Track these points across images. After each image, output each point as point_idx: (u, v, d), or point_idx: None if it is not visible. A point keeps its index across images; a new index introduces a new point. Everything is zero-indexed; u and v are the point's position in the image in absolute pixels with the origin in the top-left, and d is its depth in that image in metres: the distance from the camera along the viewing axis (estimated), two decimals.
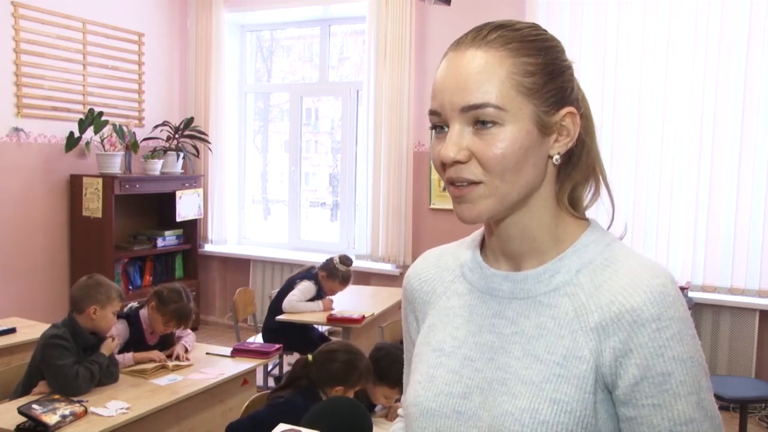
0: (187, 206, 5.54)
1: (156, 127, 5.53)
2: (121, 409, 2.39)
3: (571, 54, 0.90)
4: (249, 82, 6.20)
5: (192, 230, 5.75)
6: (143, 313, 3.01)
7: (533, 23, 0.87)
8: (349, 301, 4.17)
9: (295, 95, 5.92)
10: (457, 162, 0.82)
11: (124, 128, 5.05)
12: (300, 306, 3.93)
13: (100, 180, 4.94)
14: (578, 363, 0.81)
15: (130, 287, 5.32)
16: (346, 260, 4.08)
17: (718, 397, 3.22)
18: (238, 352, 3.11)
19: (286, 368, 3.94)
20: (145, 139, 5.38)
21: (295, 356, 3.58)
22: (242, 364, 2.99)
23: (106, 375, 2.62)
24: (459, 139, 0.82)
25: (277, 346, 3.25)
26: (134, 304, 3.11)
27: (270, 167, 6.39)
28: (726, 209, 4.21)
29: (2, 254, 4.66)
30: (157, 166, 5.34)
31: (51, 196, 4.99)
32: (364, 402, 2.39)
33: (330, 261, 4.08)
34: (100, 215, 4.96)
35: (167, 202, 5.48)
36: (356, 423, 1.89)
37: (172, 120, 5.68)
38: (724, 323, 4.23)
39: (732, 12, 4.11)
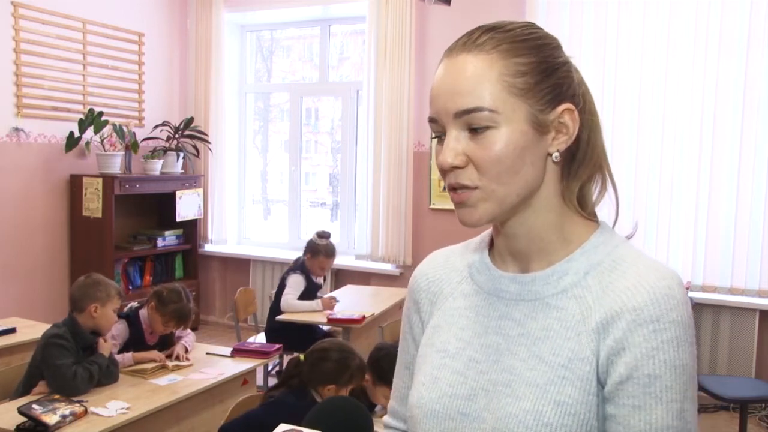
0: (187, 206, 5.54)
1: (156, 127, 5.53)
2: (121, 409, 2.39)
3: (571, 54, 0.89)
4: (249, 82, 6.20)
5: (192, 230, 5.75)
6: (143, 313, 3.01)
7: (527, 22, 0.87)
8: (349, 301, 4.18)
9: (295, 95, 5.92)
10: (455, 167, 0.83)
11: (124, 128, 5.05)
12: (297, 304, 3.94)
13: (100, 180, 4.94)
14: (582, 365, 0.81)
15: (130, 287, 5.32)
16: (323, 234, 4.18)
17: (718, 397, 3.23)
18: (238, 352, 3.11)
19: None
20: (145, 139, 5.38)
21: None
22: (242, 364, 2.99)
23: (105, 375, 2.62)
24: (456, 144, 0.83)
25: (277, 346, 3.25)
26: (134, 304, 3.11)
27: (270, 167, 6.39)
28: (726, 209, 4.21)
29: (2, 254, 4.66)
30: (157, 166, 5.34)
31: (51, 196, 4.99)
32: (364, 402, 2.39)
33: (309, 241, 4.17)
34: (100, 215, 4.96)
35: (167, 202, 5.48)
36: (356, 423, 1.89)
37: (172, 120, 5.68)
38: (724, 323, 4.22)
39: (732, 12, 4.11)
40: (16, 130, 4.69)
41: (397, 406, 1.06)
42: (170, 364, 2.88)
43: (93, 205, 4.97)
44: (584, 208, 0.90)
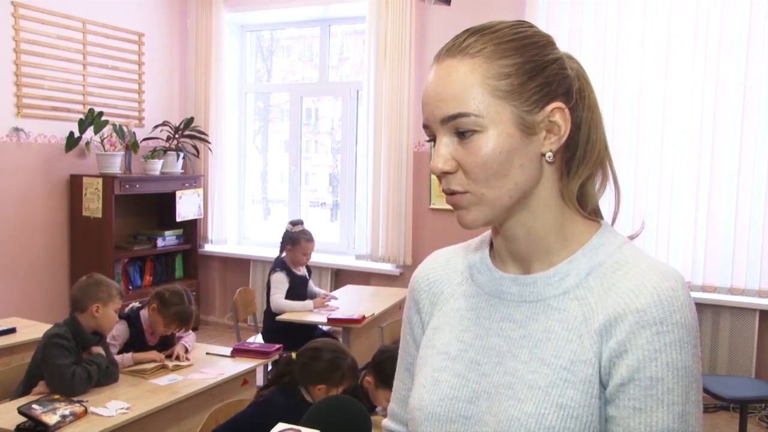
0: (187, 206, 5.54)
1: (156, 127, 5.53)
2: (121, 409, 2.39)
3: (570, 53, 0.88)
4: (249, 82, 6.20)
5: (192, 230, 5.75)
6: (143, 313, 3.01)
7: (517, 21, 0.86)
8: (349, 301, 4.18)
9: (295, 95, 5.92)
10: (445, 173, 0.83)
11: (124, 128, 5.05)
12: (287, 305, 3.96)
13: (100, 180, 4.94)
14: (584, 367, 0.80)
15: (130, 287, 5.32)
16: (296, 221, 4.29)
17: (718, 397, 3.23)
18: (238, 352, 3.11)
19: None
20: (145, 139, 5.38)
21: None
22: (242, 364, 2.99)
23: (105, 375, 2.62)
24: (445, 150, 0.83)
25: (277, 346, 3.25)
26: (135, 304, 3.11)
27: (270, 167, 6.39)
28: (726, 209, 4.20)
29: (2, 254, 4.66)
30: (157, 166, 5.34)
31: (51, 196, 4.99)
32: (364, 403, 2.39)
33: (285, 234, 4.22)
34: (100, 215, 4.96)
35: (167, 202, 5.48)
36: (355, 423, 1.89)
37: (172, 120, 5.68)
38: (724, 323, 4.22)
39: (732, 12, 4.11)
40: (16, 130, 4.69)
41: (397, 408, 1.05)
42: (170, 364, 2.88)
43: (93, 205, 4.97)
44: (585, 208, 0.89)
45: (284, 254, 4.18)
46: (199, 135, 5.61)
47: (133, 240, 5.49)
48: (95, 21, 5.19)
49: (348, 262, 5.41)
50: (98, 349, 2.65)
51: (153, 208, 5.74)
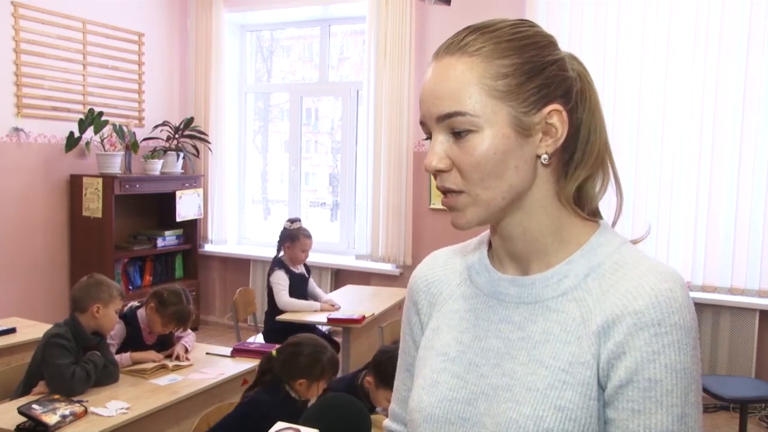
0: (187, 206, 5.54)
1: (156, 127, 5.53)
2: (121, 409, 2.39)
3: (574, 54, 0.88)
4: (249, 82, 6.20)
5: (192, 230, 5.75)
6: (140, 313, 3.00)
7: (518, 21, 0.85)
8: (349, 301, 4.18)
9: (295, 95, 5.92)
10: (440, 171, 0.83)
11: (124, 128, 5.05)
12: (294, 303, 3.95)
13: (100, 180, 4.94)
14: (582, 369, 0.80)
15: (130, 287, 5.32)
16: (293, 219, 4.30)
17: (718, 397, 3.23)
18: (238, 352, 3.11)
19: None
20: (145, 139, 5.38)
21: None
22: (242, 364, 3.00)
23: (105, 375, 2.62)
24: (440, 148, 0.83)
25: (277, 346, 3.24)
26: (134, 303, 3.11)
27: (270, 167, 6.39)
28: (726, 209, 4.20)
29: (2, 254, 4.66)
30: (157, 166, 5.34)
31: (51, 196, 4.99)
32: (365, 403, 2.39)
33: (283, 231, 4.22)
34: (100, 215, 4.96)
35: (167, 202, 5.48)
36: (354, 422, 1.89)
37: (172, 120, 5.68)
38: (724, 323, 4.22)
39: (732, 12, 4.11)
40: (16, 130, 4.69)
41: (397, 408, 1.05)
42: (170, 364, 2.88)
43: (93, 205, 4.97)
44: (583, 209, 0.88)
45: (282, 253, 4.18)
46: (199, 135, 5.61)
47: (133, 240, 5.49)
48: (95, 21, 5.19)
49: (348, 262, 5.41)
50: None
51: (153, 208, 5.74)
